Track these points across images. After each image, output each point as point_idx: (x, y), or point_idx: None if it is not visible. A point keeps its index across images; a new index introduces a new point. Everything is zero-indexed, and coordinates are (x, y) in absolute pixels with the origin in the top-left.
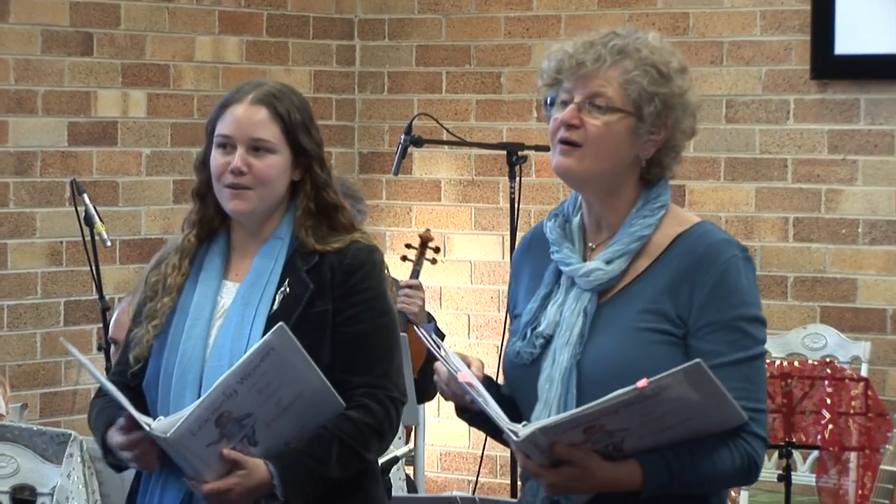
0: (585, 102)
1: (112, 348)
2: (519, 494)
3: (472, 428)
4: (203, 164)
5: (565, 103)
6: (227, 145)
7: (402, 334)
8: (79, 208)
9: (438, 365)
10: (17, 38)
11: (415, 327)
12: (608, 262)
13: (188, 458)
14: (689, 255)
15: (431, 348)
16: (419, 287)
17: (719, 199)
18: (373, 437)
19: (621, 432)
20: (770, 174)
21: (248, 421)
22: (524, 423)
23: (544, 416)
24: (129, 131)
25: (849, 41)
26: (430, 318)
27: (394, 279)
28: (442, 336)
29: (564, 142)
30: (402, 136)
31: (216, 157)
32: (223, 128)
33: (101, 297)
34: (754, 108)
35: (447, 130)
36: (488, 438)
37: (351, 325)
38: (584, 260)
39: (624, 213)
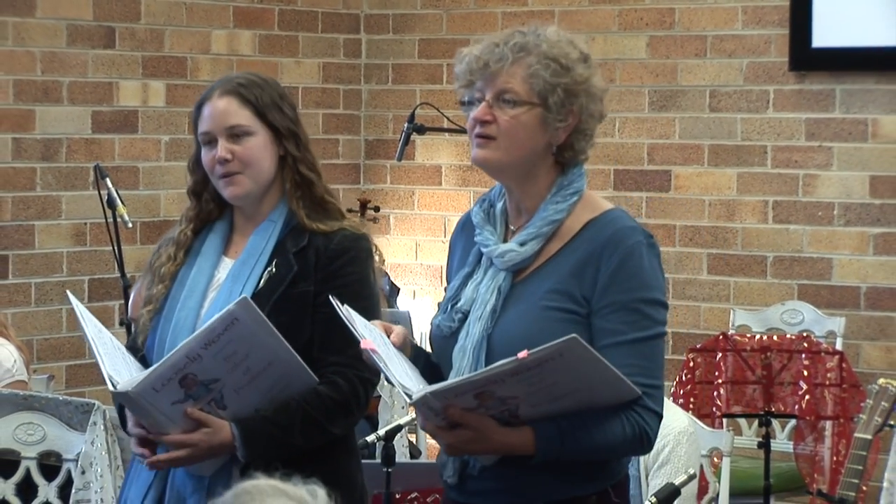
0: (495, 98)
1: (133, 327)
2: (436, 454)
3: None
4: (196, 163)
5: (479, 101)
6: (210, 141)
7: None
8: (102, 192)
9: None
10: (43, 32)
11: (331, 298)
12: (522, 244)
13: (153, 414)
14: (596, 240)
15: (341, 315)
16: None
17: (703, 183)
18: (338, 412)
19: (513, 399)
20: (751, 160)
21: (215, 385)
22: (421, 386)
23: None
24: (149, 119)
25: (825, 35)
26: (384, 273)
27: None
28: (397, 290)
29: (480, 136)
30: (406, 125)
31: (204, 155)
32: (202, 126)
33: (123, 275)
34: (736, 98)
35: (448, 119)
36: None
37: (330, 306)
38: (505, 242)
39: (540, 198)
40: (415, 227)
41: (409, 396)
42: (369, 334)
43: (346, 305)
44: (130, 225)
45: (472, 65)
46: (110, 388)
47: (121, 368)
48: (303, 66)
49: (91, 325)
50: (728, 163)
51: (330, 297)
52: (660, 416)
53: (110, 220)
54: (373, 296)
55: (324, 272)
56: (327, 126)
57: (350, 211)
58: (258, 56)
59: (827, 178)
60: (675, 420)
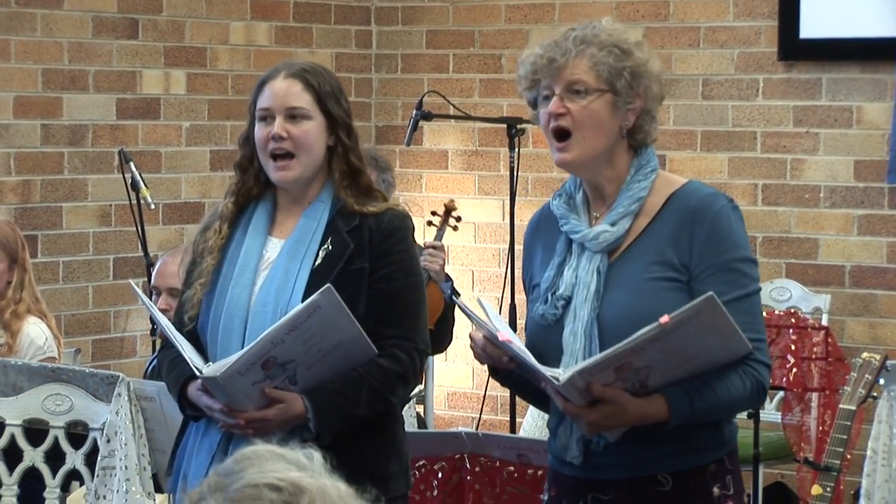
0: (565, 91)
1: (153, 295)
2: (549, 441)
3: (475, 370)
4: (246, 139)
5: (548, 98)
6: (268, 117)
7: None
8: (126, 175)
9: (473, 333)
10: (70, 24)
11: (454, 299)
12: (613, 224)
13: (234, 395)
14: (683, 210)
15: (469, 316)
16: (441, 248)
17: (696, 167)
18: (398, 382)
19: (646, 369)
20: (741, 145)
21: (290, 365)
22: (561, 369)
23: (571, 366)
24: (171, 107)
25: (812, 26)
26: (448, 278)
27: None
28: (457, 295)
29: (556, 131)
30: (414, 111)
31: (259, 130)
32: (263, 102)
33: (146, 254)
34: (727, 87)
35: (454, 106)
36: (490, 379)
37: (385, 282)
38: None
39: (620, 181)
40: (423, 209)
41: (557, 380)
42: (500, 325)
43: (457, 298)
44: (153, 206)
45: (536, 64)
46: (197, 373)
47: (190, 351)
48: (316, 56)
49: (160, 316)
50: (720, 148)
51: (453, 298)
52: (769, 367)
53: (134, 201)
54: (420, 272)
55: (378, 250)
56: None
57: (434, 213)
58: (274, 46)
59: (814, 162)
60: None
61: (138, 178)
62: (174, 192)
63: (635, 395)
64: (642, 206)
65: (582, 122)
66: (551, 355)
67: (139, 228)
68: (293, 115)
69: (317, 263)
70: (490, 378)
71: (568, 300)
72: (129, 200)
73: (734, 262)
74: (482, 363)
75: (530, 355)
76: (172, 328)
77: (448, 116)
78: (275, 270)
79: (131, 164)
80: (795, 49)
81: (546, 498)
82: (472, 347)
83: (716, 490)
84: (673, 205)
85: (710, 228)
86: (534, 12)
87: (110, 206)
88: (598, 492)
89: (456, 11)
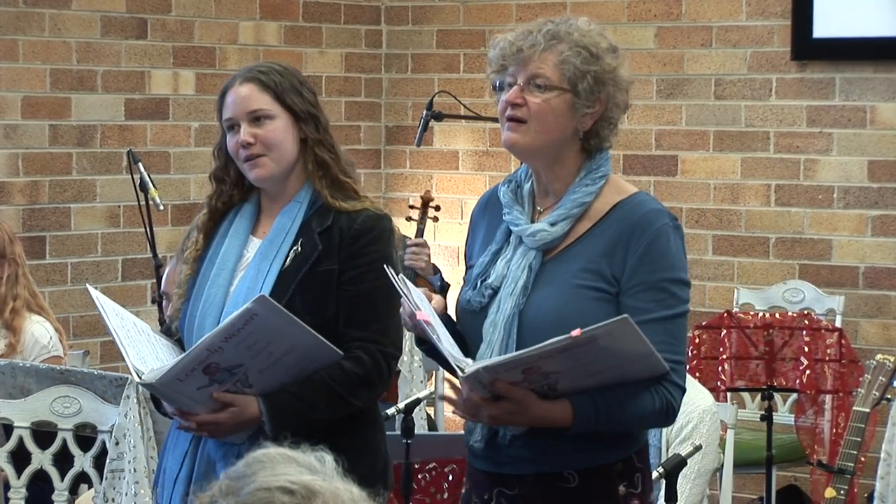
0: (527, 83)
1: (164, 301)
2: (461, 426)
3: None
4: (220, 150)
5: (511, 85)
6: (234, 126)
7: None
8: (134, 176)
9: (403, 301)
10: (79, 24)
11: (386, 268)
12: (552, 224)
13: (179, 399)
14: (625, 222)
15: (397, 286)
16: (424, 244)
17: (708, 168)
18: (361, 385)
19: (556, 374)
20: (754, 145)
21: (238, 370)
22: (471, 360)
23: (487, 357)
24: (180, 107)
25: (826, 26)
26: (436, 270)
27: (403, 236)
28: (447, 286)
29: (511, 119)
30: (424, 112)
31: (229, 140)
32: (226, 113)
33: (155, 255)
34: (740, 87)
35: (464, 106)
36: None
37: (354, 283)
38: (532, 222)
39: (568, 181)
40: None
41: (462, 370)
42: (423, 305)
43: (401, 275)
44: (162, 207)
45: (505, 50)
46: (136, 379)
47: (146, 355)
48: (326, 56)
49: (113, 316)
50: (732, 148)
51: (385, 266)
52: (683, 390)
53: (143, 202)
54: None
55: (347, 251)
56: (349, 113)
57: (411, 208)
58: (283, 46)
59: (827, 162)
60: (701, 399)
61: (147, 178)
62: (183, 192)
63: (543, 396)
64: (586, 210)
65: (537, 115)
66: (472, 341)
67: (148, 229)
68: (256, 118)
69: (286, 264)
70: None
71: (496, 290)
72: (138, 201)
73: (665, 281)
74: (408, 331)
75: (445, 339)
76: (123, 332)
77: (459, 116)
78: (248, 270)
79: (140, 164)
80: (809, 49)
81: (463, 491)
82: (400, 314)
83: (622, 488)
84: (616, 214)
85: (647, 245)
86: (545, 12)
87: (119, 206)
88: (504, 486)
89: (466, 11)
